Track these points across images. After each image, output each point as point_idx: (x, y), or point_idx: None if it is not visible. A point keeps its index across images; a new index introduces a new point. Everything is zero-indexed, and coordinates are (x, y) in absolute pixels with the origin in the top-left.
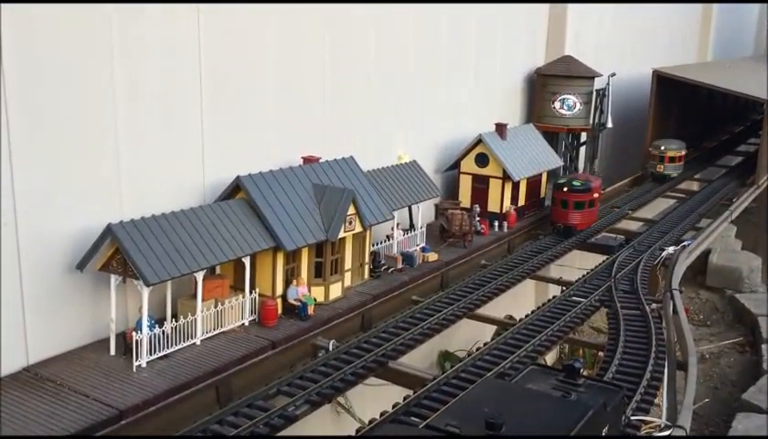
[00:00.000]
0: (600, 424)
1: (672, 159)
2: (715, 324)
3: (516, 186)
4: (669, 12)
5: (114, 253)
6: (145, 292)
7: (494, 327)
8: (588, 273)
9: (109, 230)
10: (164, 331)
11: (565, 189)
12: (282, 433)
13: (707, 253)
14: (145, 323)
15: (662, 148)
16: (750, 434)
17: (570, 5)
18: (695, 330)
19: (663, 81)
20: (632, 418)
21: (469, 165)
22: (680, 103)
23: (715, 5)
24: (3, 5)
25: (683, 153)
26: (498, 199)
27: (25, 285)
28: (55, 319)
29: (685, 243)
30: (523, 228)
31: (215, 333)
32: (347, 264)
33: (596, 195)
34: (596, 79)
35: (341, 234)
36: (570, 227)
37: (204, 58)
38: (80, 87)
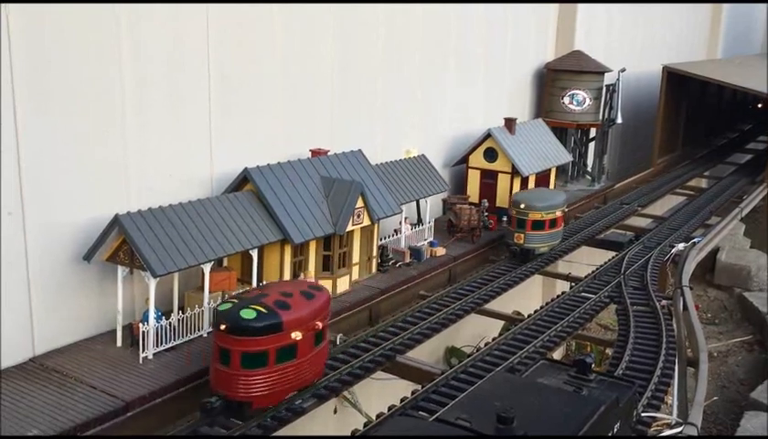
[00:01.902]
0: (612, 420)
1: (539, 225)
2: (723, 322)
3: (524, 181)
4: (679, 10)
5: (122, 244)
6: (152, 283)
7: (501, 323)
8: (597, 269)
9: (116, 221)
10: (170, 323)
11: (222, 328)
12: (287, 427)
13: (715, 252)
14: (152, 315)
15: (522, 206)
16: (758, 434)
17: (581, 5)
18: (703, 328)
19: (673, 78)
20: (642, 415)
21: (477, 159)
22: (690, 100)
23: (725, 5)
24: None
25: (558, 213)
26: (507, 194)
27: (31, 275)
28: (61, 310)
29: (695, 240)
30: None
31: None
32: (355, 258)
33: (299, 336)
34: (606, 74)
35: (349, 227)
36: (242, 403)
37: (212, 51)
38: (89, 78)
